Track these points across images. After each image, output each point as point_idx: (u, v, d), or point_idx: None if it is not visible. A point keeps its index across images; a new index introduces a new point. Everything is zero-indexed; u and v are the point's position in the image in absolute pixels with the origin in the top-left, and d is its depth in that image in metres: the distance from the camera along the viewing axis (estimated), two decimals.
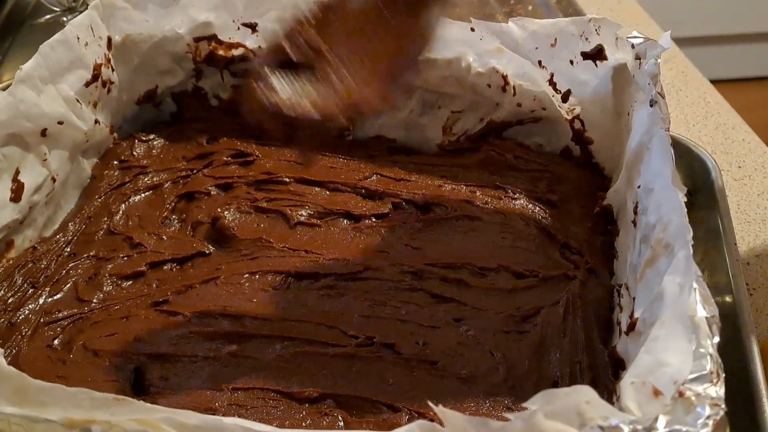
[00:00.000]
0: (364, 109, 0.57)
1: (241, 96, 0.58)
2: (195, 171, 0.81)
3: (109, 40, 0.80)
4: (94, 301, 0.67)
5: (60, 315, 0.65)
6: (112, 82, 0.81)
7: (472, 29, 0.78)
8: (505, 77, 0.79)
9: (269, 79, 0.56)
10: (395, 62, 0.59)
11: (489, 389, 0.59)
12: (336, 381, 0.59)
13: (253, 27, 0.83)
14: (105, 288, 0.69)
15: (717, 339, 0.44)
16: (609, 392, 0.56)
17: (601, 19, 0.74)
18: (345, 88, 0.57)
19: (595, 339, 0.62)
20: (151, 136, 0.85)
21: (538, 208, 0.76)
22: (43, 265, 0.70)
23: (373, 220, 0.76)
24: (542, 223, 0.74)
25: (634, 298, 0.58)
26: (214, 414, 0.44)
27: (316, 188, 0.79)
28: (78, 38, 0.74)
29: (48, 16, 1.13)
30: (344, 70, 0.57)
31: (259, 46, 0.83)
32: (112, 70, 0.81)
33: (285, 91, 0.56)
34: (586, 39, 0.75)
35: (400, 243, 0.73)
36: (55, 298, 0.67)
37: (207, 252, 0.73)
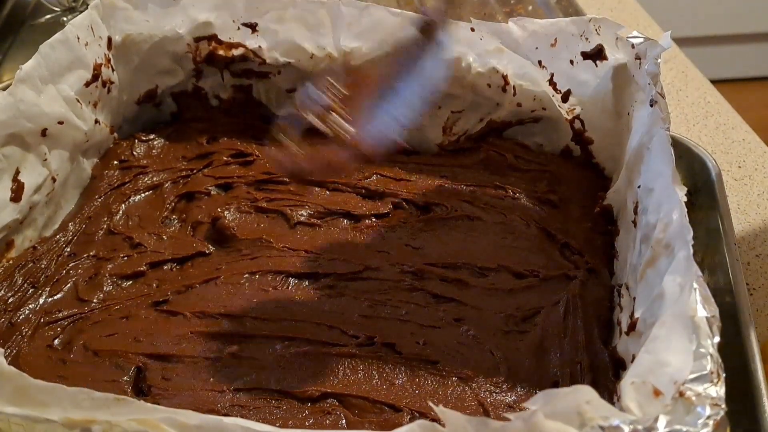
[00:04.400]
0: (373, 158, 0.60)
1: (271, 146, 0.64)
2: (195, 171, 0.81)
3: (110, 40, 0.80)
4: (95, 301, 0.67)
5: (60, 315, 0.65)
6: (112, 82, 0.81)
7: (472, 29, 0.78)
8: (505, 77, 0.79)
9: (289, 146, 0.60)
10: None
11: (489, 389, 0.59)
12: (337, 381, 0.59)
13: (253, 27, 0.83)
14: (105, 288, 0.69)
15: (717, 339, 0.44)
16: (609, 392, 0.56)
17: (601, 19, 0.74)
18: (356, 142, 0.60)
19: (596, 339, 0.62)
20: (151, 136, 0.85)
21: (538, 208, 0.76)
22: (43, 265, 0.70)
23: (373, 220, 0.76)
24: (542, 223, 0.74)
25: (634, 298, 0.58)
26: (216, 415, 0.44)
27: (316, 188, 0.79)
28: (78, 38, 0.74)
29: (48, 16, 1.13)
30: (356, 125, 0.61)
31: (259, 46, 0.83)
32: (113, 70, 0.81)
33: (301, 154, 0.60)
34: (587, 39, 0.75)
35: (400, 243, 0.73)
36: (55, 298, 0.67)
37: (207, 252, 0.73)
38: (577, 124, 0.79)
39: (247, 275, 0.69)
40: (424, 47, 0.63)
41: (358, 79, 0.64)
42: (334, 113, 0.61)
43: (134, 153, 0.83)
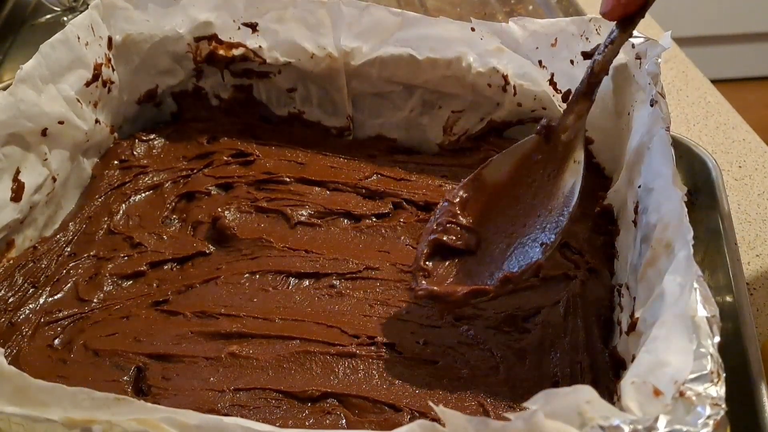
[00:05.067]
0: (513, 283, 0.61)
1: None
2: (195, 171, 0.81)
3: (110, 39, 0.80)
4: (95, 300, 0.67)
5: (60, 315, 0.65)
6: (112, 82, 0.81)
7: (473, 29, 0.78)
8: (505, 77, 0.79)
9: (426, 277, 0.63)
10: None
11: (489, 389, 0.59)
12: (337, 380, 0.59)
13: (253, 27, 0.83)
14: (105, 288, 0.69)
15: (717, 339, 0.44)
16: (609, 392, 0.56)
17: (601, 19, 0.74)
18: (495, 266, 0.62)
19: (596, 339, 0.62)
20: (152, 136, 0.85)
21: None
22: (43, 265, 0.70)
23: (374, 219, 0.76)
24: None
25: (634, 298, 0.58)
26: (216, 415, 0.44)
27: (317, 188, 0.79)
28: (78, 38, 0.74)
29: (48, 16, 1.13)
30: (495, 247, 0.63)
31: (260, 46, 0.83)
32: (113, 70, 0.81)
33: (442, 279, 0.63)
34: (587, 39, 0.75)
35: (400, 243, 0.73)
36: (55, 297, 0.67)
37: (207, 252, 0.73)
38: None
39: (247, 275, 0.69)
40: (550, 156, 0.64)
41: (485, 188, 0.66)
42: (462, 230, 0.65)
43: (134, 153, 0.83)
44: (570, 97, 0.66)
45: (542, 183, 0.64)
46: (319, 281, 0.69)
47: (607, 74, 0.65)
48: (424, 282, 0.62)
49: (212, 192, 0.79)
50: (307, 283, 0.69)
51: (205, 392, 0.58)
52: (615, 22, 0.63)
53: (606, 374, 0.59)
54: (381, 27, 0.80)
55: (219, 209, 0.75)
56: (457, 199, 0.66)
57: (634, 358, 0.49)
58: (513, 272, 0.60)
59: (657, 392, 0.42)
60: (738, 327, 0.62)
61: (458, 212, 0.66)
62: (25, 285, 0.68)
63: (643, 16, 0.62)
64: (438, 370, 0.60)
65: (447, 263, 0.64)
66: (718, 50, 2.48)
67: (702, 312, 0.45)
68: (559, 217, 0.61)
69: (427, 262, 0.64)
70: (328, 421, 0.56)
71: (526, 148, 0.66)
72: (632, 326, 0.55)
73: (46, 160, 0.71)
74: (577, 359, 0.60)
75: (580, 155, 0.63)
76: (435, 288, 0.62)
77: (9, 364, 0.45)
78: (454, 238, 0.65)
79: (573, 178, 0.62)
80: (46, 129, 0.70)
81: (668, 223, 0.55)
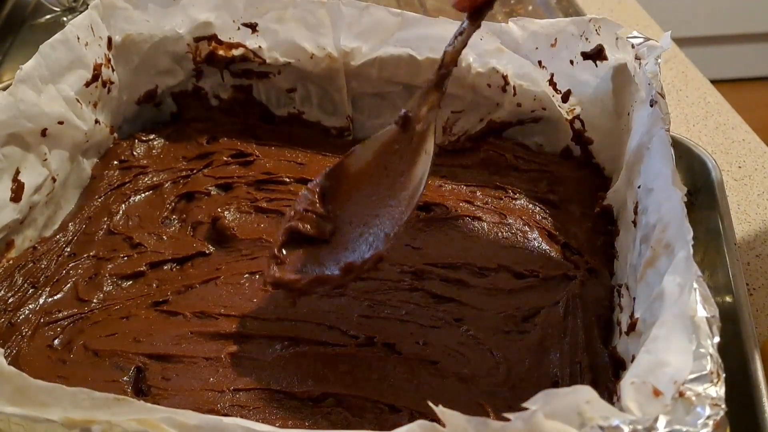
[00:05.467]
0: (355, 272, 0.60)
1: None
2: (195, 171, 0.81)
3: (110, 40, 0.80)
4: (95, 301, 0.67)
5: (60, 315, 0.65)
6: (112, 82, 0.81)
7: None
8: (505, 77, 0.79)
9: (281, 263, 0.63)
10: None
11: (489, 389, 0.59)
12: (337, 381, 0.59)
13: (253, 27, 0.83)
14: (105, 288, 0.69)
15: (717, 339, 0.44)
16: (609, 392, 0.56)
17: (601, 19, 0.74)
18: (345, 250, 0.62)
19: (596, 339, 0.62)
20: (151, 136, 0.85)
21: (538, 208, 0.76)
22: (43, 265, 0.70)
23: None
24: (542, 223, 0.74)
25: (634, 298, 0.58)
26: (216, 415, 0.44)
27: None
28: (78, 38, 0.74)
29: (48, 16, 1.13)
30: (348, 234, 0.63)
31: (259, 46, 0.83)
32: (113, 70, 0.81)
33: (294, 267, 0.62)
34: (586, 39, 0.75)
35: (400, 243, 0.73)
36: (55, 298, 0.67)
37: (207, 252, 0.73)
38: (577, 124, 0.79)
39: (247, 275, 0.69)
40: (408, 145, 0.63)
41: (346, 177, 0.65)
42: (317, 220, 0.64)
43: (134, 153, 0.83)
44: (421, 89, 0.65)
45: (398, 173, 0.63)
46: None
47: (456, 65, 0.64)
48: (275, 268, 0.62)
49: (212, 192, 0.79)
50: None
51: (205, 392, 0.58)
52: (466, 15, 0.63)
53: (606, 374, 0.59)
54: (381, 27, 0.80)
55: (219, 209, 0.75)
56: (318, 188, 0.66)
57: (633, 358, 0.49)
58: (355, 262, 0.60)
59: (657, 392, 0.42)
60: (737, 327, 0.62)
61: (316, 201, 0.65)
62: (25, 285, 0.68)
63: (491, 8, 0.62)
64: (438, 370, 0.60)
65: (301, 251, 0.64)
66: (717, 50, 2.48)
67: (702, 312, 0.45)
68: (406, 207, 0.61)
69: (282, 250, 0.63)
70: (327, 422, 0.56)
71: (386, 138, 0.65)
72: (632, 326, 0.55)
73: (45, 160, 0.71)
74: (576, 359, 0.60)
75: (430, 146, 0.62)
76: (281, 276, 0.62)
77: (9, 364, 0.45)
78: (308, 226, 0.64)
79: (422, 169, 0.62)
80: (45, 129, 0.70)
81: (668, 224, 0.55)
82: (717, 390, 0.42)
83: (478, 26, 0.63)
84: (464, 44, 0.63)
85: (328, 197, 0.65)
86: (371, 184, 0.64)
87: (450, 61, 0.63)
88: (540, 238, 0.72)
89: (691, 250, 0.49)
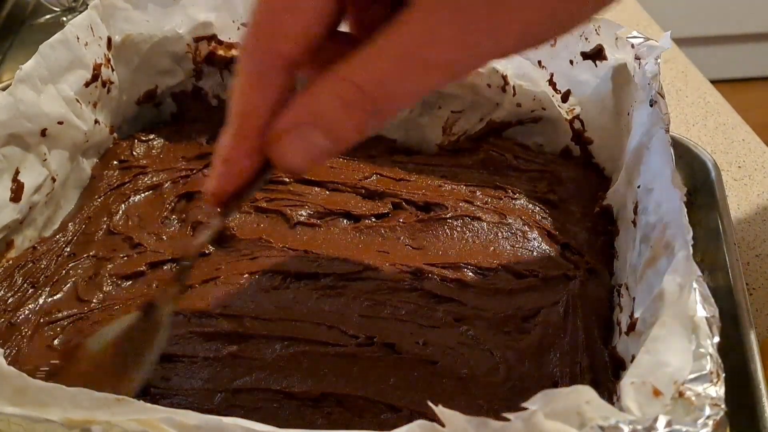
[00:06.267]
0: None
1: None
2: (195, 171, 0.81)
3: (109, 40, 0.80)
4: (94, 301, 0.67)
5: (60, 315, 0.65)
6: (112, 82, 0.81)
7: None
8: (504, 77, 0.79)
9: None
10: None
11: (489, 389, 0.59)
12: (337, 381, 0.59)
13: None
14: (105, 288, 0.69)
15: (717, 339, 0.44)
16: (609, 392, 0.56)
17: (600, 19, 0.74)
18: None
19: (595, 339, 0.62)
20: (151, 136, 0.85)
21: (538, 208, 0.76)
22: (43, 265, 0.70)
23: (373, 220, 0.76)
24: (542, 223, 0.74)
25: (634, 298, 0.58)
26: (216, 415, 0.44)
27: (316, 188, 0.79)
28: (78, 38, 0.74)
29: (48, 16, 1.13)
30: None
31: None
32: (112, 70, 0.81)
33: None
34: (586, 39, 0.75)
35: (400, 243, 0.73)
36: (55, 298, 0.67)
37: (207, 252, 0.73)
38: (577, 124, 0.79)
39: (247, 275, 0.69)
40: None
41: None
42: None
43: (134, 153, 0.83)
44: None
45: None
46: (318, 281, 0.69)
47: (197, 259, 0.59)
48: None
49: None
50: (306, 283, 0.69)
51: (205, 392, 0.58)
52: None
53: (605, 374, 0.59)
54: None
55: (218, 209, 0.75)
56: None
57: (633, 358, 0.49)
58: None
59: (656, 392, 0.42)
60: (738, 327, 0.62)
61: None
62: (25, 285, 0.68)
63: (240, 205, 0.52)
64: (438, 370, 0.60)
65: None
66: (717, 51, 2.48)
67: (701, 312, 0.45)
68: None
69: None
70: (327, 421, 0.56)
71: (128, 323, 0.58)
72: (632, 326, 0.55)
73: (45, 160, 0.71)
74: (576, 359, 0.60)
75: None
76: None
77: (8, 364, 0.45)
78: None
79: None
80: (45, 129, 0.70)
81: (668, 223, 0.55)
82: (717, 390, 0.42)
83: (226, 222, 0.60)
84: (208, 240, 0.57)
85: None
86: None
87: (192, 254, 0.57)
88: (540, 238, 0.72)
89: (691, 250, 0.50)
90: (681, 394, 0.41)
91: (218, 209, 0.51)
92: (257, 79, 0.42)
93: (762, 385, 0.57)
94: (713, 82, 1.09)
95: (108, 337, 0.58)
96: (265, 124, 0.43)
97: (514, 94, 0.80)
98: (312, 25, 0.40)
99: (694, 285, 0.47)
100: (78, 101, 0.75)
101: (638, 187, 0.64)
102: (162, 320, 0.56)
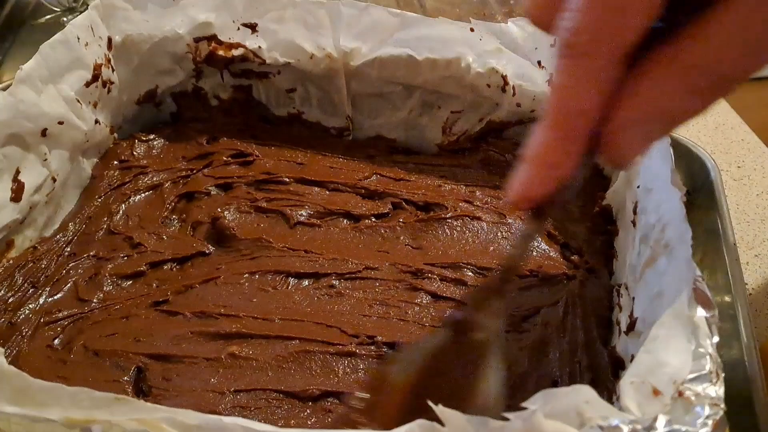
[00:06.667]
0: None
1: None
2: (195, 171, 0.81)
3: (110, 40, 0.80)
4: (94, 300, 0.67)
5: (60, 315, 0.65)
6: (112, 82, 0.81)
7: (472, 29, 0.79)
8: (504, 77, 0.79)
9: None
10: None
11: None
12: (337, 380, 0.59)
13: (253, 27, 0.83)
14: (105, 288, 0.69)
15: (716, 339, 0.45)
16: (609, 392, 0.56)
17: None
18: None
19: (595, 339, 0.62)
20: (151, 136, 0.86)
21: None
22: (43, 265, 0.70)
23: (373, 220, 0.76)
24: None
25: (633, 298, 0.58)
26: (217, 415, 0.44)
27: (316, 188, 0.79)
28: (78, 38, 0.74)
29: (48, 16, 1.13)
30: None
31: (259, 47, 0.83)
32: (113, 70, 0.81)
33: None
34: None
35: (400, 243, 0.73)
36: (55, 297, 0.67)
37: (207, 252, 0.73)
38: None
39: (247, 275, 0.69)
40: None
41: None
42: None
43: (134, 153, 0.83)
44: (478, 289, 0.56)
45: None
46: (318, 281, 0.69)
47: (516, 273, 0.56)
48: None
49: (212, 192, 0.79)
50: (306, 283, 0.69)
51: (206, 393, 0.58)
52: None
53: (605, 374, 0.59)
54: (380, 27, 0.80)
55: (218, 209, 0.75)
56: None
57: (633, 358, 0.49)
58: None
59: (656, 392, 0.42)
60: (737, 327, 0.62)
61: None
62: (25, 285, 0.68)
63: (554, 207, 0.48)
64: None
65: None
66: None
67: (701, 312, 0.46)
68: None
69: None
70: (328, 420, 0.56)
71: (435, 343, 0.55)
72: (631, 326, 0.55)
73: (45, 160, 0.71)
74: (576, 359, 0.60)
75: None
76: None
77: (9, 364, 0.45)
78: None
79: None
80: (45, 129, 0.70)
81: (667, 223, 0.55)
82: (716, 390, 0.42)
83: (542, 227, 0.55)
84: (526, 249, 0.55)
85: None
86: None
87: (510, 266, 0.51)
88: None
89: (691, 250, 0.50)
90: (680, 394, 0.41)
91: (531, 213, 0.47)
92: (595, 76, 0.39)
93: (761, 385, 0.57)
94: None
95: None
96: (595, 122, 0.41)
97: (514, 94, 0.80)
98: (657, 7, 0.38)
99: (694, 285, 0.47)
100: (78, 101, 0.75)
101: (638, 187, 0.64)
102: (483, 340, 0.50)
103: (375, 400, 0.52)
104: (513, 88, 0.79)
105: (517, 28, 0.78)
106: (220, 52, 0.84)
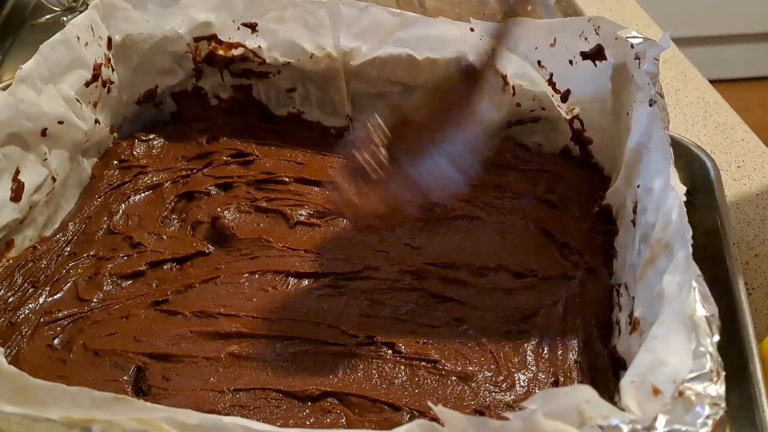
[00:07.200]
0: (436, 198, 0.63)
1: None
2: (195, 171, 0.81)
3: (109, 39, 0.80)
4: (94, 300, 0.67)
5: (60, 314, 0.65)
6: (112, 82, 0.81)
7: (472, 29, 0.78)
8: (504, 77, 0.79)
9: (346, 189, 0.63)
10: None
11: (489, 389, 0.59)
12: (337, 380, 0.59)
13: (253, 27, 0.83)
14: (105, 287, 0.69)
15: (717, 338, 0.44)
16: (609, 391, 0.56)
17: (600, 19, 0.74)
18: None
19: (595, 338, 0.62)
20: (151, 136, 0.86)
21: (537, 208, 0.76)
22: (43, 265, 0.70)
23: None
24: (541, 223, 0.74)
25: (633, 298, 0.58)
26: (216, 415, 0.44)
27: (316, 188, 0.79)
28: (78, 38, 0.74)
29: (48, 16, 1.13)
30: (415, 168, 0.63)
31: (259, 46, 0.83)
32: (112, 70, 0.81)
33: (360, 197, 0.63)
34: (586, 39, 0.75)
35: (400, 243, 0.73)
36: (55, 297, 0.67)
37: (207, 251, 0.73)
38: (576, 124, 0.79)
39: (246, 275, 0.69)
40: (469, 89, 0.63)
41: (407, 121, 0.65)
42: (381, 155, 0.63)
43: (134, 153, 0.83)
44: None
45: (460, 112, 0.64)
46: (318, 281, 0.69)
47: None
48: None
49: (212, 192, 0.79)
50: (306, 282, 0.69)
51: (206, 392, 0.58)
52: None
53: (605, 374, 0.59)
54: (380, 27, 0.80)
55: (218, 209, 0.75)
56: (381, 136, 0.65)
57: (633, 357, 0.49)
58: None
59: (656, 391, 0.42)
60: (737, 326, 0.62)
61: (380, 149, 0.64)
62: (25, 285, 0.68)
63: None
64: (438, 370, 0.60)
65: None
66: (716, 50, 2.48)
67: (701, 311, 0.46)
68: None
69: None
70: (328, 420, 0.56)
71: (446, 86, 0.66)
72: (631, 326, 0.55)
73: (45, 160, 0.71)
74: (576, 359, 0.60)
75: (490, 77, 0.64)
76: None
77: (9, 363, 0.45)
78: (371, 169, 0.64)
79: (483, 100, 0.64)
80: (45, 129, 0.70)
81: (667, 223, 0.55)
82: (717, 389, 0.42)
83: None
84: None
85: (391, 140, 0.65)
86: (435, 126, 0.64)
87: (510, 14, 0.63)
88: (540, 238, 0.73)
89: (691, 250, 0.50)
90: (681, 393, 0.41)
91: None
92: None
93: (761, 385, 0.57)
94: (712, 82, 1.09)
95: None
96: None
97: (514, 94, 0.80)
98: None
99: (694, 284, 0.47)
100: (78, 101, 0.75)
101: (638, 186, 0.64)
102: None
103: None
104: (513, 87, 0.79)
105: (517, 27, 0.78)
106: (220, 52, 0.84)
